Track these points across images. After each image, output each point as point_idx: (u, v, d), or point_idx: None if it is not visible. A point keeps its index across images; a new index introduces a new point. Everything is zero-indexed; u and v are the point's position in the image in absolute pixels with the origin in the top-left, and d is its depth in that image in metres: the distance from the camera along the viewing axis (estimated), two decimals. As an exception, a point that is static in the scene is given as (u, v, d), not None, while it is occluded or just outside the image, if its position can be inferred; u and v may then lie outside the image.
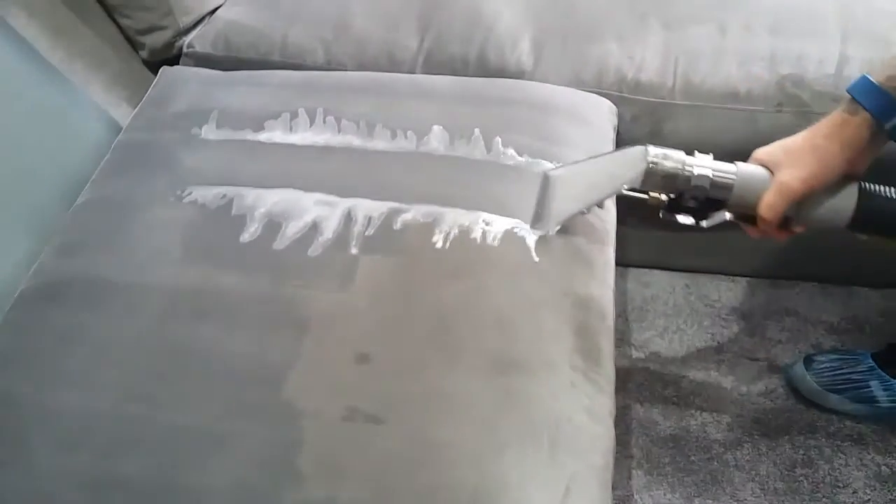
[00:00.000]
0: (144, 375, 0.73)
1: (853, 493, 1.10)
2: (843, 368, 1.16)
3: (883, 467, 1.12)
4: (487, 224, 0.81)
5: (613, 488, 0.70)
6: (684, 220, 0.73)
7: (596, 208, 0.84)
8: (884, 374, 1.13)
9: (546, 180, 0.80)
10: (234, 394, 0.71)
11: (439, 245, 0.80)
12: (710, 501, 1.10)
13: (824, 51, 1.04)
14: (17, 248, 0.93)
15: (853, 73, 1.02)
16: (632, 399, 1.20)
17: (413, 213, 0.82)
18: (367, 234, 0.81)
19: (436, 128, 0.91)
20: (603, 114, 1.00)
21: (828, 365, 1.17)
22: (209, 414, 0.70)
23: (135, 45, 1.16)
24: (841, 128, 0.65)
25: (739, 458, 1.14)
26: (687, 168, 0.69)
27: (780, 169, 0.68)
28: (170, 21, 1.12)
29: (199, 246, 0.82)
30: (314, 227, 0.82)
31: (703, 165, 0.69)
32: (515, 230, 0.81)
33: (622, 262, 0.86)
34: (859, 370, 1.14)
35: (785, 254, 1.29)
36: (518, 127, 0.92)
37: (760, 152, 0.71)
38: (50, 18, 1.02)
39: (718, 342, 1.27)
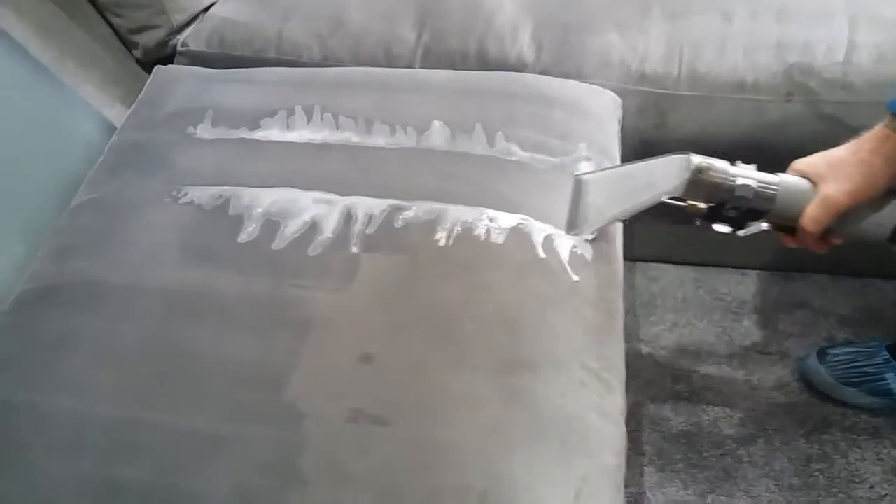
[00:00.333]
0: (143, 379, 0.71)
1: (870, 487, 1.07)
2: (857, 361, 1.13)
3: (900, 461, 1.10)
4: (492, 220, 0.79)
5: (625, 486, 0.68)
6: (721, 228, 0.72)
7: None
8: None
9: (578, 183, 0.79)
10: (234, 396, 0.69)
11: (442, 243, 0.78)
12: (724, 498, 1.08)
13: (832, 38, 1.02)
14: (12, 252, 0.91)
15: (862, 59, 1.00)
16: (642, 395, 1.18)
17: (415, 211, 0.80)
18: (367, 232, 0.79)
19: (436, 123, 0.89)
20: (607, 106, 0.97)
21: (842, 358, 1.14)
22: (210, 417, 0.68)
23: (128, 45, 1.14)
24: (884, 143, 0.65)
25: (753, 453, 1.12)
26: (731, 178, 0.68)
27: (824, 181, 0.67)
28: (163, 19, 1.10)
29: (196, 247, 0.80)
30: (313, 226, 0.80)
31: (747, 176, 0.68)
32: (521, 226, 0.79)
33: (630, 257, 0.84)
34: (874, 362, 1.12)
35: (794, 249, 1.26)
36: (520, 121, 0.90)
37: (801, 163, 0.71)
38: (40, 18, 1.01)
39: (729, 336, 1.25)
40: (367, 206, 0.81)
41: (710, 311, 1.29)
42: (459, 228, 0.79)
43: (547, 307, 0.74)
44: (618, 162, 0.91)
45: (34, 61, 1.01)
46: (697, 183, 0.68)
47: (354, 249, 0.78)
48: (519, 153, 0.86)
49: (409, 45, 1.08)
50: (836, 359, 1.15)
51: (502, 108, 0.92)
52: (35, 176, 0.98)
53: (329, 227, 0.80)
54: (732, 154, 1.06)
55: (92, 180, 0.91)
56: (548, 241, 0.78)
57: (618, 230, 0.85)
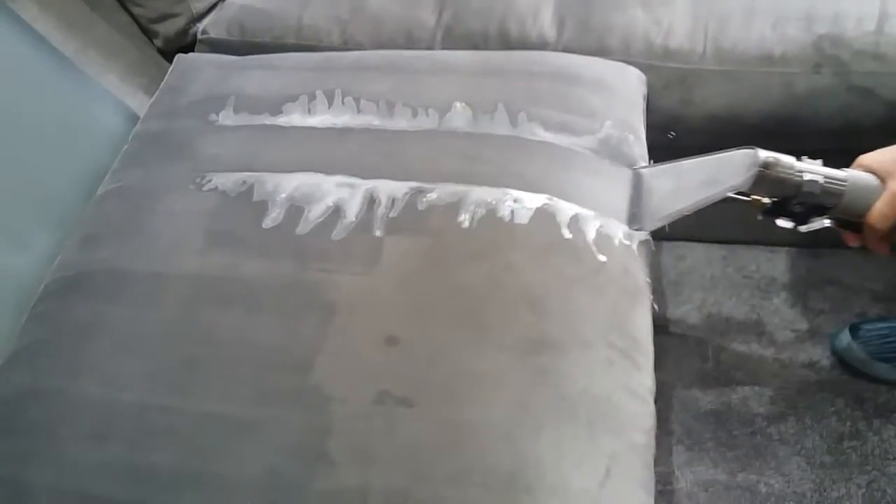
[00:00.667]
0: (171, 364, 0.72)
1: (904, 465, 1.06)
2: (892, 336, 1.11)
3: (935, 438, 1.08)
4: (516, 201, 0.78)
5: (654, 465, 0.67)
6: (784, 223, 0.71)
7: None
8: None
9: (637, 177, 0.78)
10: (262, 380, 0.70)
11: (466, 225, 0.77)
12: (755, 476, 1.07)
13: (863, 8, 0.99)
14: (40, 242, 0.93)
15: (895, 30, 0.97)
16: (670, 375, 1.17)
17: (437, 193, 0.80)
18: (391, 215, 0.79)
19: (458, 104, 0.89)
20: (631, 83, 0.96)
21: (875, 333, 1.12)
22: (238, 401, 0.69)
23: (149, 34, 1.15)
24: None
25: (784, 431, 1.11)
26: (797, 174, 0.67)
27: (892, 177, 0.65)
28: (183, 8, 1.10)
29: (221, 233, 0.81)
30: (336, 211, 0.80)
31: (814, 171, 0.67)
32: (545, 207, 0.78)
33: (657, 236, 0.83)
34: None
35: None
36: (543, 100, 0.88)
37: (867, 159, 0.68)
38: (61, 10, 1.01)
39: (758, 314, 1.23)
40: (390, 189, 0.81)
41: (739, 289, 1.27)
42: (483, 210, 0.78)
43: (572, 287, 0.73)
44: (643, 139, 0.90)
45: (57, 53, 1.01)
46: (763, 178, 0.67)
47: (378, 233, 0.78)
48: (542, 133, 0.85)
49: (430, 27, 1.07)
50: (870, 334, 1.13)
51: (525, 87, 0.90)
52: (61, 167, 0.99)
53: (352, 211, 0.80)
54: (760, 129, 1.05)
55: (116, 170, 0.92)
56: (573, 221, 0.77)
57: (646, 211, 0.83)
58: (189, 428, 0.68)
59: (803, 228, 0.71)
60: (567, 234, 0.76)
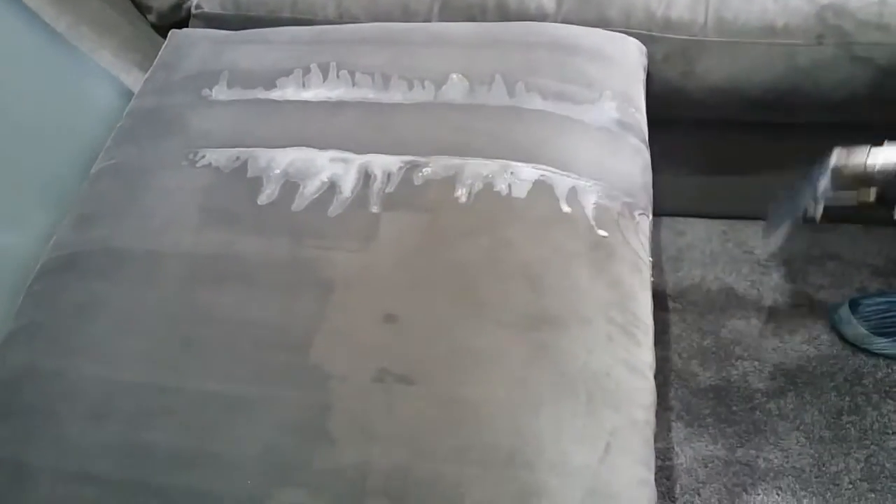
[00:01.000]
0: (168, 343, 0.72)
1: (903, 439, 1.06)
2: (891, 311, 1.11)
3: (935, 412, 1.08)
4: (513, 174, 0.77)
5: (653, 441, 0.67)
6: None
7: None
8: None
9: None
10: (260, 359, 0.70)
11: (463, 200, 0.76)
12: (754, 451, 1.07)
13: (867, -24, 0.97)
14: (35, 221, 0.92)
15: (899, -3, 0.96)
16: (669, 350, 1.17)
17: (433, 167, 0.79)
18: (387, 191, 0.78)
19: (454, 76, 0.87)
20: (631, 54, 0.94)
21: (875, 308, 1.12)
22: (236, 380, 0.69)
23: (142, 9, 1.13)
24: None
25: (783, 406, 1.11)
26: (869, 164, 0.69)
27: None
28: (176, -19, 1.08)
29: (215, 210, 0.80)
30: (332, 186, 0.79)
31: (886, 156, 0.68)
32: (543, 179, 0.77)
33: (656, 211, 0.82)
34: None
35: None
36: (542, 70, 0.87)
37: None
38: (53, -15, 0.99)
39: (758, 290, 1.23)
40: (384, 163, 0.80)
41: (739, 264, 1.26)
42: (480, 184, 0.77)
43: (572, 262, 0.72)
44: (643, 109, 0.89)
45: (49, 29, 1.00)
46: (840, 176, 0.70)
47: (374, 209, 0.77)
48: (540, 102, 0.84)
49: (426, 0, 1.05)
50: (869, 309, 1.12)
51: (523, 58, 0.89)
52: (55, 144, 0.98)
53: (348, 187, 0.79)
54: (762, 101, 1.03)
55: (110, 147, 0.91)
56: (571, 193, 0.76)
57: (646, 183, 0.83)
58: (187, 407, 0.67)
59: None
60: (566, 209, 0.75)
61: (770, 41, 0.98)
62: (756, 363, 1.15)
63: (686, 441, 1.09)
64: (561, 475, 0.60)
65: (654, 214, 0.82)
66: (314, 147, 0.83)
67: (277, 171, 0.81)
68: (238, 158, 0.83)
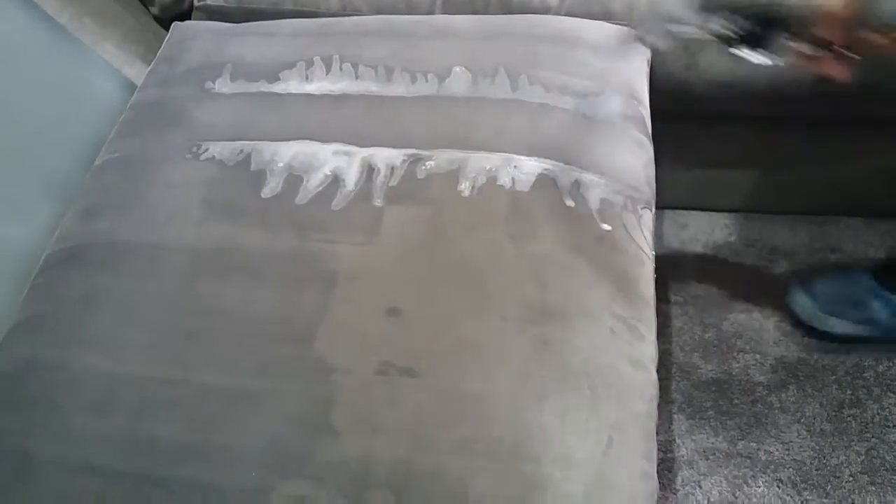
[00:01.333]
0: (172, 336, 0.72)
1: (904, 432, 1.06)
2: (843, 291, 1.12)
3: (936, 405, 1.09)
4: (516, 167, 0.77)
5: (655, 434, 0.67)
6: (757, 58, 0.67)
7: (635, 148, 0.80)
8: (886, 291, 1.09)
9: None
10: (264, 351, 0.70)
11: (466, 193, 0.77)
12: (755, 444, 1.07)
13: (872, -33, 0.97)
14: (39, 214, 0.93)
15: (903, -10, 0.95)
16: (671, 344, 1.17)
17: (436, 160, 0.79)
18: (390, 184, 0.78)
19: (457, 69, 0.87)
20: (635, 46, 0.94)
21: (828, 288, 1.13)
22: (240, 372, 0.69)
23: (145, 2, 1.12)
24: None
25: (784, 399, 1.11)
26: None
27: None
28: (178, -26, 1.08)
29: (219, 203, 0.80)
30: (335, 180, 0.79)
31: None
32: (546, 173, 0.77)
33: (659, 204, 0.82)
34: (860, 291, 1.11)
35: (828, 189, 1.23)
36: (545, 63, 0.87)
37: None
38: (56, -23, 0.99)
39: (760, 283, 1.23)
40: (387, 156, 0.80)
41: (742, 257, 1.27)
42: (483, 178, 0.77)
43: (575, 256, 0.73)
44: (646, 102, 0.88)
45: (52, 22, 1.00)
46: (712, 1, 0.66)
47: (378, 202, 0.77)
48: (543, 95, 0.84)
49: (429, -9, 1.05)
50: (821, 289, 1.13)
51: (526, 50, 0.89)
52: (59, 137, 0.98)
53: (351, 180, 0.79)
54: (765, 94, 1.03)
55: (114, 139, 0.91)
56: (574, 187, 0.76)
57: (649, 177, 0.83)
58: (191, 399, 0.68)
59: (774, 61, 0.66)
60: (569, 202, 0.75)
61: (774, 34, 0.98)
62: (758, 356, 1.16)
63: (688, 433, 1.09)
64: (564, 468, 0.61)
65: (657, 207, 0.82)
66: (317, 140, 0.83)
67: (281, 165, 0.81)
68: (241, 151, 0.83)
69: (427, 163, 0.79)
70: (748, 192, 1.27)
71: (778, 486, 1.04)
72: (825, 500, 1.02)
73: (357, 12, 1.06)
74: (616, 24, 0.97)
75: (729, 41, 0.67)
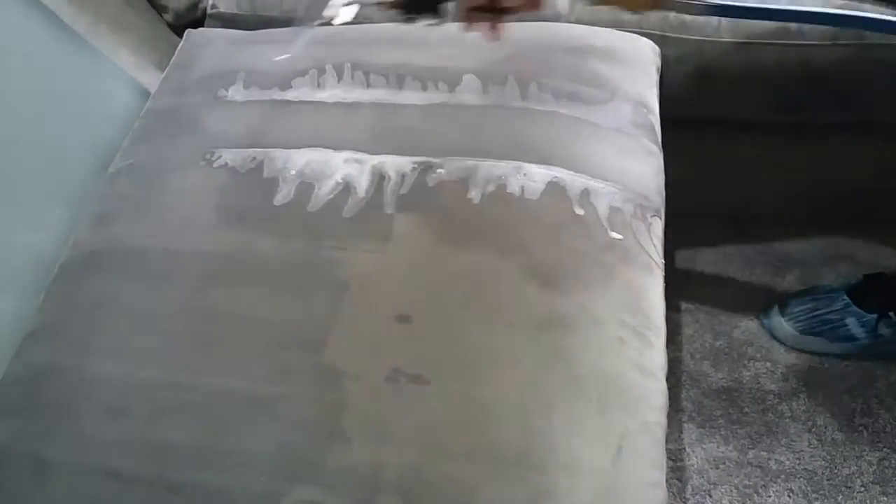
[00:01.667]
0: (185, 342, 0.73)
1: (917, 442, 1.06)
2: (817, 310, 1.13)
3: (949, 415, 1.08)
4: (526, 175, 0.78)
5: (665, 442, 0.67)
6: (426, 20, 0.72)
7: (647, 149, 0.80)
8: (859, 310, 1.09)
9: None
10: (275, 357, 0.70)
11: (476, 201, 0.77)
12: (765, 453, 1.07)
13: (883, -24, 0.97)
14: (55, 220, 0.93)
15: (916, -2, 0.95)
16: (681, 351, 1.17)
17: (446, 168, 0.79)
18: (401, 192, 0.79)
19: (467, 77, 0.88)
20: (645, 54, 0.94)
21: (802, 308, 1.14)
22: (252, 378, 0.69)
23: (159, 9, 1.14)
24: None
25: (795, 408, 1.11)
26: None
27: None
28: (192, -19, 1.09)
29: (232, 210, 0.81)
30: (346, 187, 0.80)
31: None
32: (556, 181, 0.77)
33: (668, 212, 0.82)
34: (834, 309, 1.11)
35: (841, 196, 1.23)
36: (555, 71, 0.87)
37: None
38: (72, -15, 1.00)
39: (772, 291, 1.22)
40: (398, 164, 0.81)
41: (752, 265, 1.26)
42: (493, 186, 0.77)
43: (584, 264, 0.73)
44: (656, 110, 0.89)
45: (68, 29, 1.01)
46: None
47: (389, 210, 0.77)
48: (553, 103, 0.84)
49: None
50: (797, 309, 1.14)
51: (536, 58, 0.89)
52: (73, 144, 0.99)
53: (362, 188, 0.79)
54: (776, 102, 1.03)
55: (128, 146, 0.92)
56: (584, 195, 0.76)
57: (659, 185, 0.83)
58: (203, 404, 0.68)
59: (440, 19, 0.70)
60: (579, 210, 0.76)
61: (785, 42, 0.98)
62: (769, 364, 1.15)
63: (698, 442, 1.09)
64: (572, 476, 0.61)
65: (667, 215, 0.82)
66: (329, 148, 0.83)
67: (293, 172, 0.82)
68: (254, 159, 0.84)
69: (437, 171, 0.79)
70: (758, 200, 1.27)
71: (789, 496, 1.03)
72: (836, 510, 1.02)
73: (368, 20, 1.06)
74: (626, 31, 0.97)
75: (401, 8, 0.70)
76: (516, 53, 0.91)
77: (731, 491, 1.05)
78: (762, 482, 1.05)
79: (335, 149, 0.83)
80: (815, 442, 1.07)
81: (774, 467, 1.06)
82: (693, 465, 1.07)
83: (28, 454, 0.69)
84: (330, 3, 0.77)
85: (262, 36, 1.01)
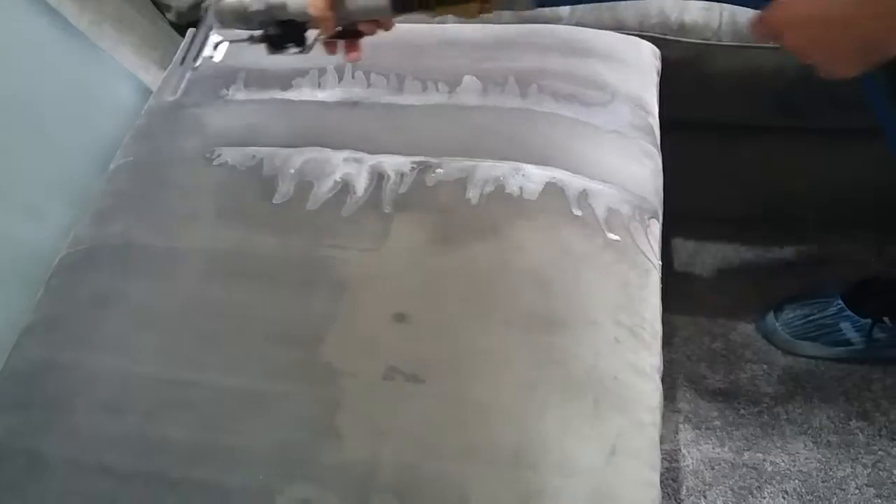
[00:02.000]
0: (184, 338, 0.73)
1: (912, 445, 1.06)
2: (811, 315, 1.13)
3: (944, 420, 1.08)
4: (524, 176, 0.78)
5: (660, 443, 0.68)
6: (291, 51, 0.71)
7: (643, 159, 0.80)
8: (853, 314, 1.10)
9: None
10: (272, 355, 0.71)
11: (474, 201, 0.77)
12: (760, 454, 1.07)
13: (884, -20, 0.97)
14: (54, 216, 0.94)
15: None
16: (678, 353, 1.17)
17: (445, 168, 0.80)
18: (400, 191, 0.79)
19: (467, 78, 0.88)
20: (645, 57, 0.95)
21: (797, 314, 1.14)
22: (249, 375, 0.70)
23: (161, 8, 1.14)
24: None
25: (791, 411, 1.11)
26: (245, 1, 0.67)
27: None
28: (195, -20, 1.09)
29: (232, 208, 0.81)
30: (345, 186, 0.80)
31: None
32: (554, 182, 0.78)
33: (666, 214, 0.83)
34: (829, 313, 1.12)
35: (838, 201, 1.23)
36: (555, 73, 0.88)
37: None
38: (75, -17, 1.01)
39: (769, 293, 1.23)
40: (396, 164, 0.81)
41: (750, 267, 1.26)
42: (491, 186, 0.78)
43: (581, 265, 0.73)
44: (655, 113, 0.89)
45: (71, 27, 1.01)
46: (222, 12, 0.68)
47: (387, 209, 0.78)
48: (552, 105, 0.85)
49: (441, 0, 1.06)
50: (791, 315, 1.14)
51: (536, 60, 0.90)
52: (74, 141, 1.00)
53: (361, 187, 0.80)
54: (775, 106, 1.03)
55: (129, 143, 0.93)
56: (582, 196, 0.77)
57: (657, 187, 0.83)
58: (202, 401, 0.69)
59: (304, 49, 0.70)
60: (577, 211, 0.76)
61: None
62: (765, 367, 1.16)
63: (693, 443, 1.09)
64: (566, 476, 0.61)
65: (665, 217, 0.82)
66: (329, 147, 0.84)
67: (292, 171, 0.82)
68: (254, 157, 0.84)
69: (436, 170, 0.80)
70: (757, 203, 1.27)
71: (783, 498, 1.03)
72: (831, 513, 1.02)
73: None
74: (627, 34, 0.98)
75: (268, 43, 0.70)
76: (517, 54, 0.91)
77: (726, 492, 1.05)
78: (757, 484, 1.05)
79: (334, 148, 0.84)
80: (811, 444, 1.08)
81: (769, 469, 1.06)
82: (688, 467, 1.07)
83: (24, 449, 0.69)
84: (207, 43, 0.80)
85: (263, 35, 1.02)
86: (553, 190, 0.77)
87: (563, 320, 0.69)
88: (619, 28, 1.00)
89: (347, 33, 0.70)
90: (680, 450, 1.09)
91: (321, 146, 0.84)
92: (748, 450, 1.08)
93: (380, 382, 0.67)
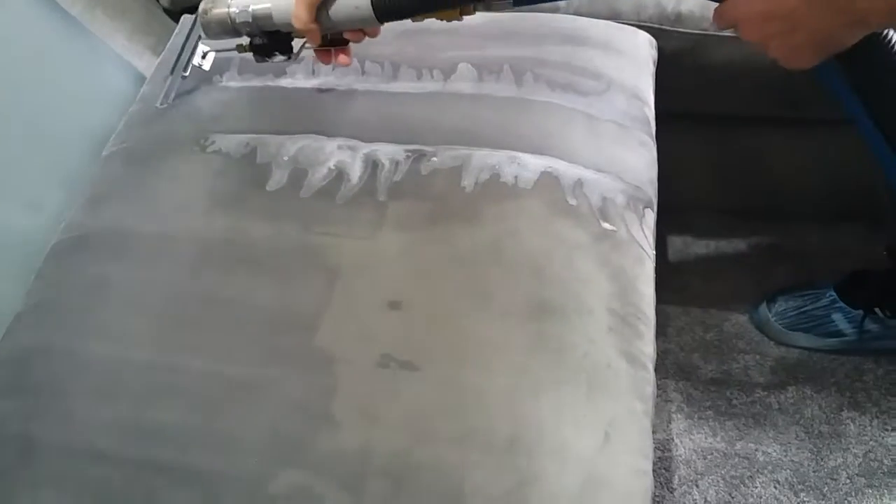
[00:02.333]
0: (177, 325, 0.73)
1: (903, 435, 1.07)
2: (805, 306, 1.14)
3: (935, 410, 1.09)
4: (520, 165, 0.78)
5: (653, 432, 0.68)
6: (278, 59, 0.75)
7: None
8: (845, 306, 1.11)
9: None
10: (266, 341, 0.71)
11: (469, 190, 0.77)
12: (753, 444, 1.08)
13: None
14: (47, 202, 0.93)
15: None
16: (672, 343, 1.18)
17: (440, 157, 0.80)
18: (394, 179, 0.79)
19: (462, 66, 0.88)
20: (641, 47, 0.95)
21: (790, 305, 1.15)
22: (243, 361, 0.70)
23: (154, -6, 1.13)
24: None
25: (783, 401, 1.12)
26: (231, 11, 0.70)
27: None
28: (188, -34, 1.09)
29: (225, 195, 0.81)
30: (339, 174, 0.80)
31: (243, 4, 0.70)
32: (549, 171, 0.78)
33: (661, 204, 0.83)
34: (821, 305, 1.13)
35: (834, 193, 1.23)
36: (550, 61, 0.88)
37: None
38: (67, -32, 1.00)
39: (763, 284, 1.23)
40: (390, 152, 0.81)
41: (744, 258, 1.27)
42: (487, 175, 0.78)
43: (575, 253, 0.73)
44: (651, 102, 0.89)
45: (64, 13, 1.01)
46: (209, 23, 0.71)
47: (381, 197, 0.78)
48: (548, 93, 0.85)
49: (437, -12, 1.05)
50: (784, 306, 1.15)
51: (532, 48, 0.90)
52: (68, 127, 0.99)
53: (355, 175, 0.80)
54: (773, 95, 1.03)
55: (122, 130, 0.92)
56: (577, 185, 0.77)
57: (652, 177, 0.83)
58: (195, 387, 0.69)
59: (292, 58, 0.74)
60: (571, 200, 0.76)
61: (781, 37, 0.98)
62: (758, 357, 1.16)
63: (686, 433, 1.10)
64: (560, 463, 0.61)
65: (660, 207, 0.82)
66: (323, 135, 0.83)
67: (286, 158, 0.82)
68: (247, 144, 0.84)
69: (431, 159, 0.80)
70: (752, 194, 1.27)
71: (775, 487, 1.04)
72: (822, 502, 1.03)
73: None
74: (623, 24, 0.97)
75: (255, 51, 0.74)
76: (513, 43, 0.91)
77: (718, 481, 1.05)
78: (749, 473, 1.06)
79: (328, 135, 0.83)
80: (803, 434, 1.08)
81: (761, 458, 1.07)
82: (681, 456, 1.08)
83: (16, 435, 0.69)
84: (196, 52, 0.84)
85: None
86: (548, 179, 0.77)
87: (557, 308, 0.69)
88: (616, 18, 1.00)
89: (335, 41, 0.72)
90: (672, 439, 1.09)
91: (315, 134, 0.84)
92: (740, 439, 1.08)
93: (374, 369, 0.67)
